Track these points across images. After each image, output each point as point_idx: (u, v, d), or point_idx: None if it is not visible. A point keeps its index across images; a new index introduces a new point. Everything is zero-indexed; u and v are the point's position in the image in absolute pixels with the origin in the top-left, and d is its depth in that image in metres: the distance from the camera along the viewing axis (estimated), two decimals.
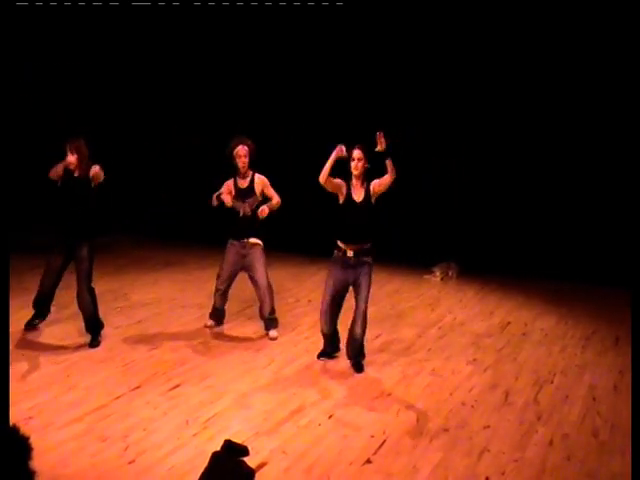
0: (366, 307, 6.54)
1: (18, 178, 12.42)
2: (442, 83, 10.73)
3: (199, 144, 12.26)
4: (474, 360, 6.93)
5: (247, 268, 7.53)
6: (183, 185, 12.44)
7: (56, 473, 4.53)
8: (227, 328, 7.78)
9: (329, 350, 6.86)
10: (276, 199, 7.37)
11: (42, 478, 2.56)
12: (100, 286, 9.27)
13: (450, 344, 7.40)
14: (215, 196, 7.32)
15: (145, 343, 7.21)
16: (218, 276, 7.68)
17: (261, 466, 4.71)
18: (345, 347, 6.72)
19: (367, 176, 6.49)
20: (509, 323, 8.18)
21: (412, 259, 10.62)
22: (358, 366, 6.59)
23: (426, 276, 10.19)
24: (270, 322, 7.55)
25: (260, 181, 7.39)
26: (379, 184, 6.44)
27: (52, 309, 7.57)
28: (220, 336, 7.52)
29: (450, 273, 10.23)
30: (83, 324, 7.19)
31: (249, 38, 11.76)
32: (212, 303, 7.78)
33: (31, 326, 7.45)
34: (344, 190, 6.44)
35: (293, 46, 11.55)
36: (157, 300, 8.81)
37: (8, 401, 2.98)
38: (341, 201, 6.47)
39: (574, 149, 9.97)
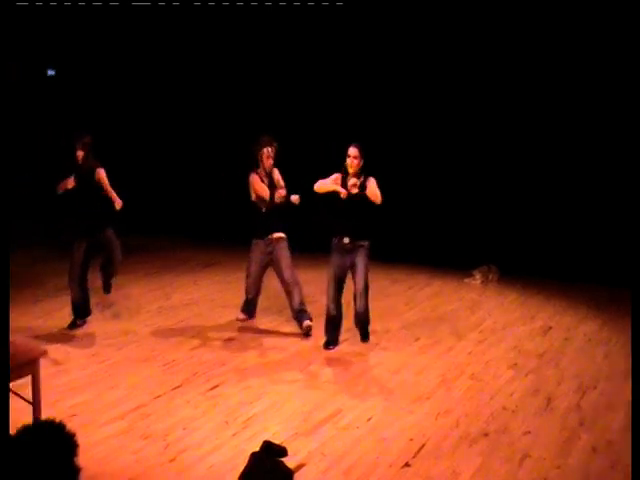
0: (366, 284, 6.89)
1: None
2: (456, 81, 10.68)
3: (238, 149, 12.32)
4: (515, 365, 6.86)
5: (273, 264, 7.64)
6: (221, 186, 12.51)
7: (99, 470, 4.59)
8: (265, 330, 7.81)
9: (333, 338, 7.20)
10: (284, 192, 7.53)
11: (85, 474, 2.59)
12: (140, 286, 9.46)
13: (491, 348, 7.34)
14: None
15: (185, 343, 7.28)
16: (247, 276, 7.76)
17: (300, 467, 4.72)
18: (355, 326, 7.20)
19: (364, 171, 6.84)
20: (551, 328, 8.08)
21: (452, 262, 10.55)
22: (364, 334, 7.13)
23: (466, 279, 10.12)
24: (301, 314, 7.59)
25: (277, 172, 7.55)
26: (370, 193, 6.77)
27: (96, 309, 7.69)
28: (259, 337, 7.55)
29: (490, 276, 10.15)
30: (122, 322, 7.35)
31: (249, 38, 11.89)
32: (244, 300, 7.86)
33: (74, 327, 7.65)
34: (340, 184, 6.85)
35: (292, 46, 11.64)
36: (197, 300, 8.88)
37: (8, 401, 3.02)
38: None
39: (609, 148, 9.81)
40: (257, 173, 7.48)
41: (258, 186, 7.41)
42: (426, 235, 10.90)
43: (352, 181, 6.73)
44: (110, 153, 12.45)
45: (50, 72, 14.00)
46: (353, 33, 11.09)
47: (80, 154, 7.40)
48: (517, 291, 9.61)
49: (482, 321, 8.26)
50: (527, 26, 9.99)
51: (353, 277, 6.99)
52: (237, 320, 7.83)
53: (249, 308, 7.88)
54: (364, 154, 6.81)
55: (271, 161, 7.45)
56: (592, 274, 9.87)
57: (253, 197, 7.52)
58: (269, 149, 7.42)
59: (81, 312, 7.69)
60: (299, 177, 7.42)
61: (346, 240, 6.90)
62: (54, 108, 13.82)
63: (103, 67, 13.18)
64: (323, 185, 6.94)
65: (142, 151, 13.14)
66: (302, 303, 7.62)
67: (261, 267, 7.69)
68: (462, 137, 10.66)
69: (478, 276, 10.11)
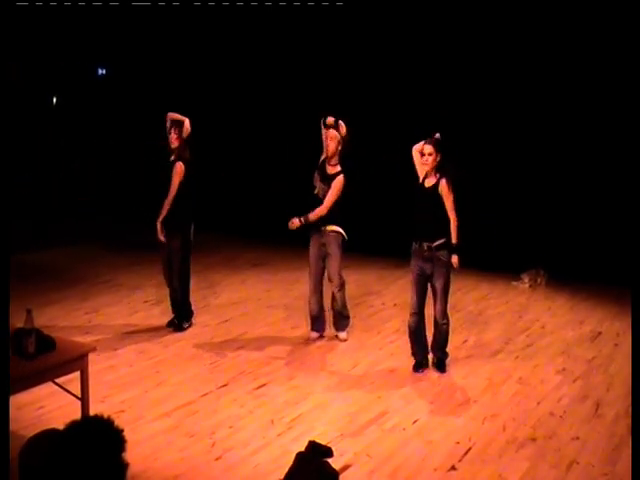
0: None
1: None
2: (472, 80, 10.61)
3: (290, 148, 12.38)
4: (563, 370, 6.77)
5: (324, 257, 7.34)
6: (271, 183, 12.58)
7: (146, 466, 4.65)
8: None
9: (422, 357, 6.75)
10: (320, 209, 7.15)
11: (132, 470, 2.62)
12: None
13: (538, 352, 7.25)
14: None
15: (232, 342, 7.33)
16: (309, 274, 7.52)
17: (345, 468, 4.72)
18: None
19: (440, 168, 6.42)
20: (600, 333, 7.96)
21: (500, 265, 10.45)
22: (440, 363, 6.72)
23: (514, 282, 10.01)
24: (340, 320, 7.49)
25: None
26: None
27: (145, 305, 7.81)
28: (305, 337, 7.55)
29: (539, 280, 10.02)
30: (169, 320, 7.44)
31: (248, 38, 11.95)
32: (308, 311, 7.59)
33: (173, 325, 7.69)
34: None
35: (292, 46, 11.68)
36: (244, 299, 8.92)
37: (8, 401, 3.07)
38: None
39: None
40: (324, 161, 7.28)
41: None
42: (474, 237, 10.79)
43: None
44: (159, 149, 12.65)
45: (101, 71, 14.21)
46: (353, 33, 11.08)
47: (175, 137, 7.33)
48: (566, 295, 9.48)
49: (530, 325, 8.17)
50: (531, 27, 9.91)
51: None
52: (308, 340, 7.48)
53: (317, 323, 7.55)
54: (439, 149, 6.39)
55: (330, 144, 7.12)
56: None
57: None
58: (328, 132, 7.16)
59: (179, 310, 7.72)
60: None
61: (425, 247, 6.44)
62: (105, 107, 14.02)
63: (154, 66, 13.34)
64: None
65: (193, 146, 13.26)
66: (344, 307, 7.46)
67: (318, 261, 7.36)
68: (515, 139, 10.55)
69: (526, 279, 9.99)
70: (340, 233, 7.23)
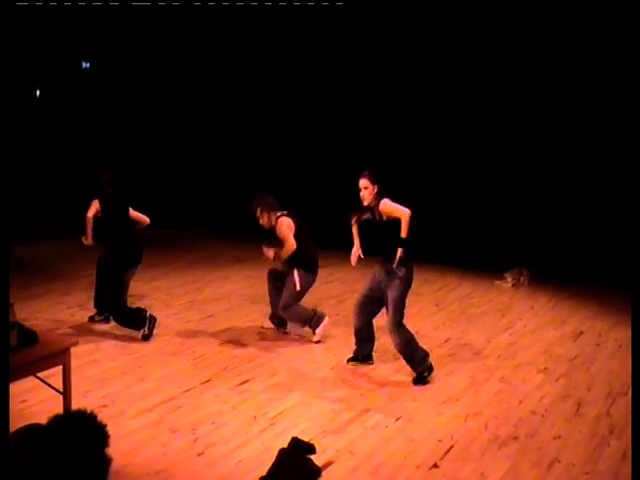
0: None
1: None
2: (464, 81, 10.66)
3: (272, 143, 12.40)
4: (545, 369, 6.80)
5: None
6: (255, 180, 12.58)
7: (127, 461, 4.63)
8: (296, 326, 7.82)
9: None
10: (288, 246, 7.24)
11: (114, 465, 2.61)
12: (172, 280, 9.51)
13: (520, 351, 7.29)
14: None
15: (215, 338, 7.32)
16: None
17: (327, 465, 4.73)
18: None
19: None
20: (582, 333, 8.01)
21: (483, 264, 10.49)
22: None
23: (497, 281, 10.05)
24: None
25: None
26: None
27: (128, 300, 7.77)
28: (289, 335, 7.55)
29: (522, 279, 10.07)
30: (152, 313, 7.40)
31: (247, 38, 11.97)
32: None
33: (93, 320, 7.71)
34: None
35: (291, 46, 11.72)
36: (228, 295, 8.91)
37: (8, 402, 3.05)
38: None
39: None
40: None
41: None
42: (458, 236, 10.86)
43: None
44: (139, 148, 12.64)
45: (85, 65, 14.13)
46: (353, 33, 11.10)
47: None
48: (548, 295, 9.53)
49: (512, 324, 8.21)
50: (532, 27, 9.96)
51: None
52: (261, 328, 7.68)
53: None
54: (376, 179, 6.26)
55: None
56: (625, 279, 9.75)
57: None
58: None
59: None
60: None
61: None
62: (89, 101, 13.95)
63: (137, 61, 13.30)
64: None
65: (172, 146, 13.24)
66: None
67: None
68: (496, 139, 10.61)
69: (509, 279, 10.04)
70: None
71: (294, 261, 7.26)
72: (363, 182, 6.21)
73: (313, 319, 7.35)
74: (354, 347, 6.77)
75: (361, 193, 6.21)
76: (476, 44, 10.40)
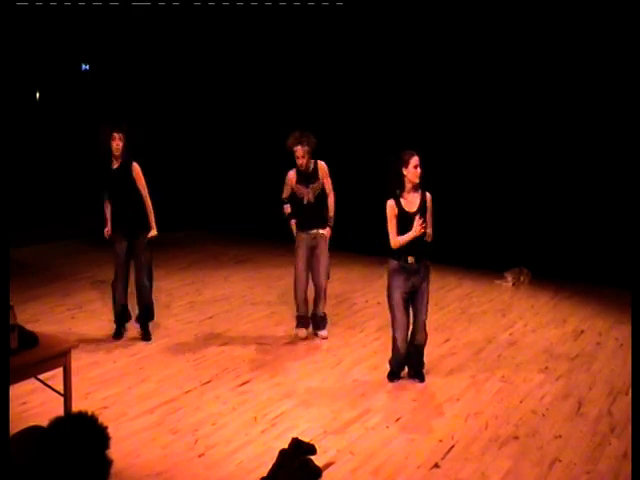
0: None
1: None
2: (463, 81, 10.66)
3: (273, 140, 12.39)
4: (546, 368, 6.80)
5: (313, 260, 7.34)
6: (254, 180, 12.59)
7: (128, 462, 4.64)
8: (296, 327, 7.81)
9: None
10: (331, 198, 7.29)
11: (115, 466, 2.61)
12: (172, 281, 9.50)
13: (521, 351, 7.28)
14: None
15: (216, 339, 7.31)
16: (295, 280, 7.42)
17: (328, 465, 4.73)
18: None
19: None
20: (583, 332, 8.01)
21: (484, 263, 10.49)
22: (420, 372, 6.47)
23: (497, 281, 10.05)
24: (322, 320, 7.52)
25: (322, 167, 7.24)
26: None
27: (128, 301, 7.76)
28: (289, 335, 7.55)
29: (522, 278, 10.06)
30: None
31: (239, 35, 12.01)
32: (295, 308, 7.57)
33: (120, 336, 7.30)
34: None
35: (292, 46, 11.73)
36: (228, 296, 8.91)
37: (8, 405, 3.06)
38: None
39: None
40: (296, 167, 7.22)
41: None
42: (458, 235, 10.84)
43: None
44: (138, 149, 12.61)
45: (84, 67, 14.11)
46: (353, 33, 11.11)
47: (118, 144, 6.94)
48: (549, 294, 9.52)
49: (513, 323, 8.20)
50: (533, 27, 9.96)
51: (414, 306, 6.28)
52: (296, 337, 7.45)
53: (303, 321, 7.52)
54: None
55: (302, 161, 7.06)
56: (626, 278, 9.74)
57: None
58: (298, 149, 7.03)
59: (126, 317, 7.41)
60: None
61: (411, 260, 6.09)
62: (88, 103, 13.94)
63: (137, 62, 13.29)
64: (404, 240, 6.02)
65: (173, 145, 13.23)
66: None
67: (306, 263, 7.33)
68: (496, 138, 10.59)
69: (510, 278, 10.03)
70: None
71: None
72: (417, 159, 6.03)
73: None
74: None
75: (419, 171, 6.02)
76: (477, 46, 10.39)
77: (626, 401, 6.01)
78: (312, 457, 4.67)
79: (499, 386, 6.31)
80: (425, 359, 6.46)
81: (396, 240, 6.01)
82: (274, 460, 4.56)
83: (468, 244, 10.73)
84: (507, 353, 7.19)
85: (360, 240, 10.73)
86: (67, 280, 9.33)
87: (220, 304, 8.58)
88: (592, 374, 6.69)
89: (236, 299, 8.82)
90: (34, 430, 3.03)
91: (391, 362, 6.36)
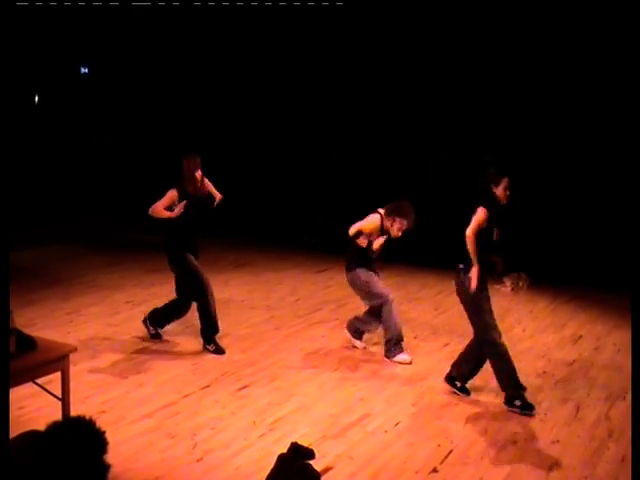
0: None
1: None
2: (459, 80, 10.67)
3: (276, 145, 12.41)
4: (544, 373, 6.81)
5: None
6: (255, 185, 12.61)
7: (127, 467, 4.63)
8: (295, 331, 7.81)
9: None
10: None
11: (113, 471, 2.61)
12: (171, 285, 9.45)
13: (519, 355, 7.24)
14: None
15: None
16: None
17: (327, 470, 4.73)
18: None
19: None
20: (581, 337, 8.01)
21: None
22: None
23: (496, 286, 9.96)
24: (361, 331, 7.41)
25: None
26: None
27: (127, 306, 7.75)
28: (288, 339, 7.55)
29: (521, 283, 10.02)
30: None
31: (242, 38, 12.01)
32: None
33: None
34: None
35: (291, 46, 11.73)
36: (227, 301, 8.89)
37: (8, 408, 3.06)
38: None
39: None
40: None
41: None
42: (457, 240, 10.84)
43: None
44: (137, 152, 12.62)
45: (84, 70, 14.13)
46: (353, 33, 11.12)
47: (199, 175, 7.14)
48: (547, 299, 9.53)
49: (511, 328, 8.20)
50: (538, 29, 9.97)
51: None
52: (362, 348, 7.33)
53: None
54: None
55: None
56: (624, 283, 9.73)
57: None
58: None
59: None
60: None
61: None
62: (87, 106, 13.96)
63: (136, 66, 13.30)
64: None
65: (171, 147, 13.25)
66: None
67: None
68: (492, 143, 10.59)
69: (508, 283, 9.96)
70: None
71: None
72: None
73: None
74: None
75: (508, 193, 6.18)
76: (476, 46, 10.40)
77: (624, 406, 6.02)
78: (311, 462, 4.66)
79: (497, 391, 6.28)
80: (425, 363, 6.47)
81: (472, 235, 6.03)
82: (273, 465, 4.54)
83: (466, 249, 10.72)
84: None
85: None
86: (65, 284, 9.32)
87: (219, 308, 8.51)
88: (590, 379, 6.69)
89: (235, 303, 8.81)
90: (32, 434, 3.03)
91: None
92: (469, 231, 5.95)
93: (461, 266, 6.12)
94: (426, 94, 10.88)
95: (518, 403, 5.85)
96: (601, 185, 10.03)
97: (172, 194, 7.02)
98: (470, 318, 6.16)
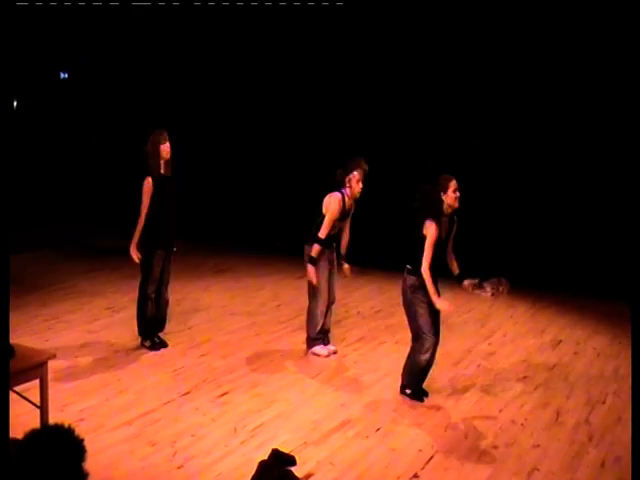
0: None
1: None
2: (457, 82, 10.69)
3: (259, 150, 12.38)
4: (524, 378, 6.83)
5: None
6: (236, 190, 12.56)
7: (106, 475, 4.59)
8: (276, 337, 7.79)
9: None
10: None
11: (92, 479, 2.59)
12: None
13: (500, 361, 7.31)
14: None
15: (195, 349, 7.27)
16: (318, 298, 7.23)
17: (308, 476, 4.72)
18: None
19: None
20: (561, 341, 8.05)
21: (462, 274, 10.48)
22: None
23: (477, 291, 10.06)
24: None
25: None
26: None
27: (107, 312, 7.69)
28: (269, 345, 7.53)
29: (501, 289, 10.10)
30: (131, 327, 7.33)
31: (247, 38, 11.97)
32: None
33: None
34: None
35: (291, 47, 11.72)
36: (208, 306, 8.87)
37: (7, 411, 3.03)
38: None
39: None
40: (343, 197, 6.99)
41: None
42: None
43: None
44: (123, 155, 12.53)
45: (63, 75, 14.04)
46: (353, 33, 11.13)
47: (167, 149, 7.04)
48: (527, 304, 9.57)
49: (492, 333, 8.23)
50: (539, 29, 10.01)
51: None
52: (326, 356, 7.25)
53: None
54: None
55: (361, 185, 6.96)
56: (604, 288, 9.81)
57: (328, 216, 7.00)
58: (357, 173, 6.93)
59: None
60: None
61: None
62: (67, 112, 13.87)
63: (117, 69, 13.23)
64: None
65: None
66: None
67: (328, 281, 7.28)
68: (477, 148, 10.63)
69: (488, 288, 10.06)
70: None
71: None
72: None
73: None
74: None
75: (458, 194, 6.02)
76: (476, 46, 10.41)
77: (604, 410, 6.07)
78: (292, 468, 4.66)
79: (478, 396, 6.32)
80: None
81: (428, 269, 6.04)
82: (254, 471, 4.54)
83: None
84: (486, 363, 7.22)
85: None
86: (44, 291, 9.25)
87: (200, 314, 8.55)
88: (570, 383, 6.72)
89: (216, 309, 8.78)
90: (10, 442, 3.00)
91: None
92: (424, 265, 6.03)
93: (409, 267, 6.17)
94: (426, 94, 10.86)
95: (408, 392, 6.16)
96: (579, 193, 10.08)
97: (148, 184, 6.96)
98: (408, 320, 6.27)
